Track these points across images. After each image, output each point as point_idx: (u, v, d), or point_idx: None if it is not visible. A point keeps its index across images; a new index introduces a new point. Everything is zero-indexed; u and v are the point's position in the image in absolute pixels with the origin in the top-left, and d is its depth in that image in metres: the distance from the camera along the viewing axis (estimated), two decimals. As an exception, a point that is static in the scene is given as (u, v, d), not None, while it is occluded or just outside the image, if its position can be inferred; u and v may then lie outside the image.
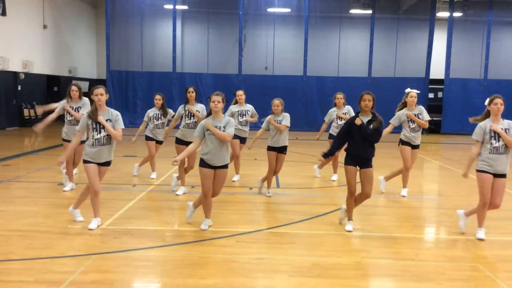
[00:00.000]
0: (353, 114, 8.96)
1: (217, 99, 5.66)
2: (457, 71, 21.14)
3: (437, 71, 21.82)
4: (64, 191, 7.83)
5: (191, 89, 7.84)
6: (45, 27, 21.01)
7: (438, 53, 21.66)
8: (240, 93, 8.72)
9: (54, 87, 22.32)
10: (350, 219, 6.11)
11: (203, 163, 5.75)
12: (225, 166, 5.81)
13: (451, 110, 20.89)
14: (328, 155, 6.08)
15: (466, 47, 21.78)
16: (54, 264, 4.73)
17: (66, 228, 5.86)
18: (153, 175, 9.09)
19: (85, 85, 24.67)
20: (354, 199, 6.03)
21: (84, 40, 25.05)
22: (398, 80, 20.71)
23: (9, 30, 18.25)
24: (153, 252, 5.19)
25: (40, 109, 8.00)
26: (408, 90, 7.91)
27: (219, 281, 4.42)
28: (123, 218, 6.37)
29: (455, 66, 21.19)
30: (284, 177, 9.59)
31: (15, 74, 19.04)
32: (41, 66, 20.83)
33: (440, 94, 21.90)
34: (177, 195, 7.78)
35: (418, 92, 8.00)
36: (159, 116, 8.77)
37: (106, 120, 5.68)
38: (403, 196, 8.00)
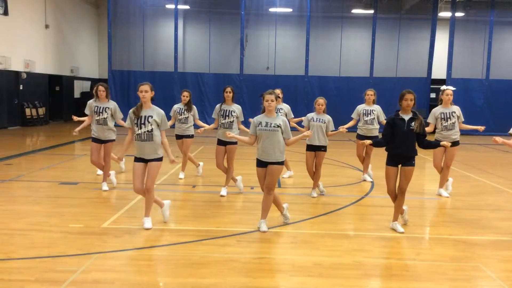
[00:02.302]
0: (382, 113, 8.94)
1: (270, 98, 5.75)
2: (459, 71, 21.14)
3: (439, 71, 21.80)
4: (103, 190, 7.82)
5: (228, 89, 7.63)
6: (47, 26, 21.05)
7: (440, 53, 21.65)
8: (277, 92, 8.72)
9: (56, 86, 22.39)
10: (394, 219, 6.09)
11: (257, 162, 5.86)
12: (278, 163, 5.81)
13: (452, 110, 20.83)
14: (375, 145, 6.09)
15: (468, 47, 21.78)
16: (56, 263, 4.74)
17: (68, 227, 5.86)
18: (181, 175, 9.03)
19: (86, 85, 24.76)
20: (396, 197, 6.03)
21: (86, 40, 25.09)
22: (400, 80, 20.71)
23: (11, 30, 18.29)
24: (154, 252, 5.20)
25: (75, 119, 8.22)
26: (443, 87, 7.79)
27: (220, 281, 4.42)
28: (124, 217, 6.38)
29: (457, 66, 21.19)
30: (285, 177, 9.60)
31: (17, 73, 19.08)
32: (43, 65, 20.87)
33: (441, 94, 21.94)
34: (221, 195, 7.71)
35: (454, 89, 7.90)
36: (183, 111, 8.77)
37: (149, 117, 5.68)
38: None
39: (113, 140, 7.83)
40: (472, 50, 21.82)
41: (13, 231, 5.70)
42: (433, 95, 21.79)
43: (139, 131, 5.68)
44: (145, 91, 5.68)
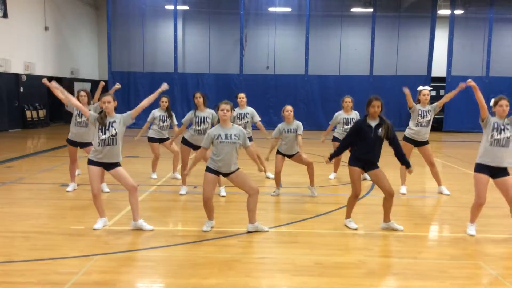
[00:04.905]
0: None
1: (226, 108, 5.67)
2: (459, 69, 21.12)
3: (439, 69, 21.79)
4: (67, 191, 7.86)
5: (197, 95, 7.57)
6: (46, 28, 21.06)
7: (440, 51, 21.64)
8: (242, 96, 8.74)
9: (56, 88, 22.39)
10: (348, 216, 6.15)
11: (210, 170, 5.72)
12: (238, 169, 5.83)
13: (453, 107, 20.86)
14: (334, 156, 6.12)
15: (467, 45, 21.77)
16: (57, 265, 4.75)
17: (69, 229, 5.87)
18: (154, 176, 9.10)
19: (87, 87, 24.77)
20: (383, 204, 5.96)
21: (85, 42, 25.10)
22: (400, 78, 20.70)
23: (11, 32, 18.31)
24: (156, 253, 5.20)
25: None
26: (420, 88, 7.89)
27: (221, 281, 4.43)
28: (125, 219, 6.38)
29: (456, 64, 21.18)
30: (286, 176, 9.59)
31: (17, 76, 19.10)
32: (43, 67, 20.88)
33: (442, 92, 21.96)
34: (181, 195, 7.81)
35: (431, 89, 8.00)
36: (165, 118, 8.76)
37: (112, 123, 5.71)
38: (403, 194, 8.00)
39: (91, 144, 7.89)
40: (472, 47, 21.81)
41: (14, 233, 5.71)
42: (433, 94, 21.78)
43: (103, 136, 5.69)
44: (108, 102, 5.72)
